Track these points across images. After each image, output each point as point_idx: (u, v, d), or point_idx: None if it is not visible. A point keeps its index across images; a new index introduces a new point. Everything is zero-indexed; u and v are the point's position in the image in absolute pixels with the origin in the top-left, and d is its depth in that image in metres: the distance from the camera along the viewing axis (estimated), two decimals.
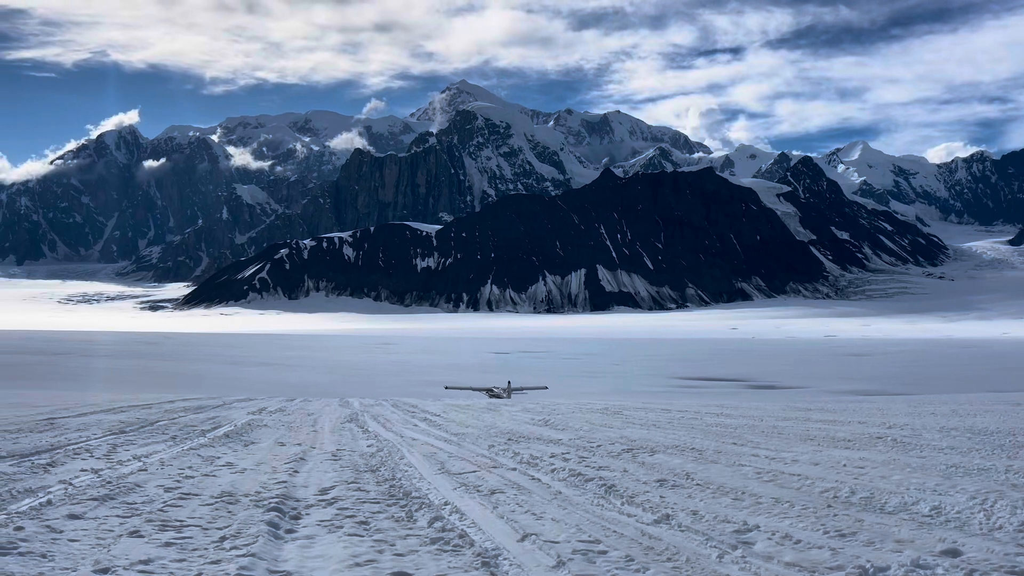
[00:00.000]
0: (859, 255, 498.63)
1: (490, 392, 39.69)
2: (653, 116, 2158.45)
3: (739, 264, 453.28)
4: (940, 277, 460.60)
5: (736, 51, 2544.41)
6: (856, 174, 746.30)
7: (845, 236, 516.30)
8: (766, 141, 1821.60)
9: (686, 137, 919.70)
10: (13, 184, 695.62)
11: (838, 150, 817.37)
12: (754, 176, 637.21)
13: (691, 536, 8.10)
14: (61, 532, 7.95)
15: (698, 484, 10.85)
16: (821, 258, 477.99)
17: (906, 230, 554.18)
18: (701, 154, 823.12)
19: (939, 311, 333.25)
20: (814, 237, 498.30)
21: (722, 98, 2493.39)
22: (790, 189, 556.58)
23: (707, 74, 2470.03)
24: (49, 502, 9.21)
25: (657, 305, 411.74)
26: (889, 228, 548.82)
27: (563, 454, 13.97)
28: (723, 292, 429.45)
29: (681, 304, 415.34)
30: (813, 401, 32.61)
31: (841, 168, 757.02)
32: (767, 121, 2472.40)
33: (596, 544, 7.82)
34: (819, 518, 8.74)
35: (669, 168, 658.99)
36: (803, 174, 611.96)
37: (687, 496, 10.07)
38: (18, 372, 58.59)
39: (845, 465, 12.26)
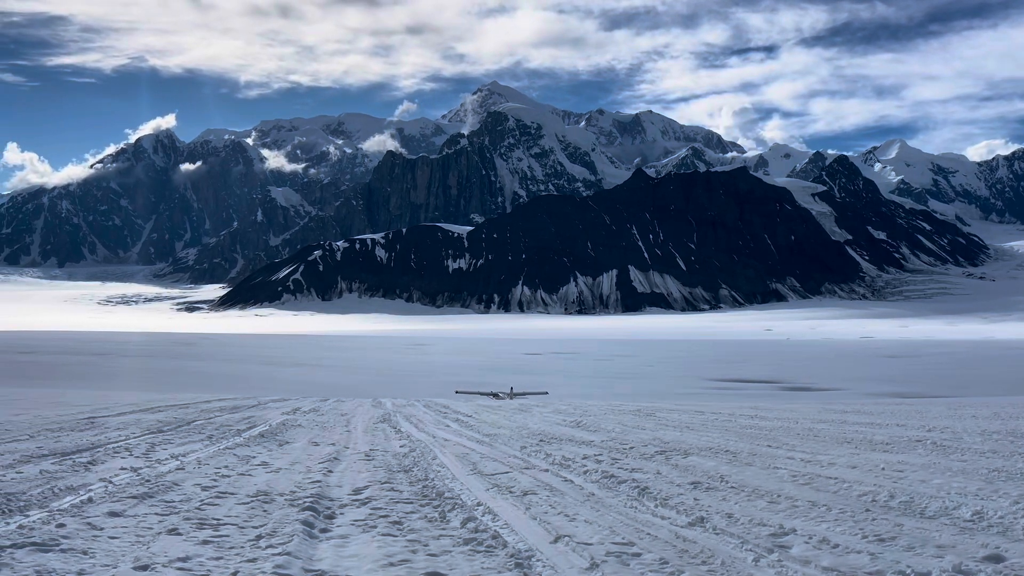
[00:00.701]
0: (896, 255, 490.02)
1: (495, 396, 39.90)
2: (686, 116, 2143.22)
3: (773, 264, 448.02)
4: (981, 277, 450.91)
5: (770, 49, 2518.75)
6: (893, 173, 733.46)
7: (882, 236, 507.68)
8: (801, 140, 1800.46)
9: (719, 137, 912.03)
10: (55, 188, 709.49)
11: (875, 148, 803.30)
12: (788, 176, 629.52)
13: (726, 539, 8.02)
14: (102, 529, 8.10)
15: (733, 487, 10.76)
16: (857, 258, 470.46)
17: (945, 229, 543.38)
18: (734, 154, 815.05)
19: (979, 312, 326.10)
20: (850, 237, 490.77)
21: (756, 97, 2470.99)
22: (825, 188, 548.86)
23: (740, 73, 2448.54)
24: (90, 500, 9.39)
25: (690, 306, 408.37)
26: (927, 227, 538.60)
27: (596, 456, 13.92)
28: (757, 293, 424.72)
29: (714, 305, 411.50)
30: (850, 403, 32.12)
31: (878, 167, 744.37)
32: (802, 120, 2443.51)
33: (630, 546, 7.78)
34: (857, 522, 8.61)
35: (702, 168, 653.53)
36: (839, 173, 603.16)
37: (722, 499, 9.98)
38: (60, 372, 59.79)
39: (883, 468, 12.08)
